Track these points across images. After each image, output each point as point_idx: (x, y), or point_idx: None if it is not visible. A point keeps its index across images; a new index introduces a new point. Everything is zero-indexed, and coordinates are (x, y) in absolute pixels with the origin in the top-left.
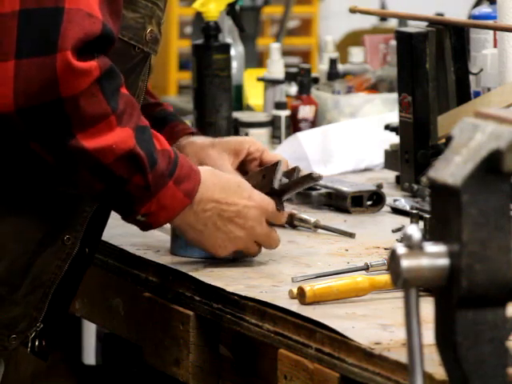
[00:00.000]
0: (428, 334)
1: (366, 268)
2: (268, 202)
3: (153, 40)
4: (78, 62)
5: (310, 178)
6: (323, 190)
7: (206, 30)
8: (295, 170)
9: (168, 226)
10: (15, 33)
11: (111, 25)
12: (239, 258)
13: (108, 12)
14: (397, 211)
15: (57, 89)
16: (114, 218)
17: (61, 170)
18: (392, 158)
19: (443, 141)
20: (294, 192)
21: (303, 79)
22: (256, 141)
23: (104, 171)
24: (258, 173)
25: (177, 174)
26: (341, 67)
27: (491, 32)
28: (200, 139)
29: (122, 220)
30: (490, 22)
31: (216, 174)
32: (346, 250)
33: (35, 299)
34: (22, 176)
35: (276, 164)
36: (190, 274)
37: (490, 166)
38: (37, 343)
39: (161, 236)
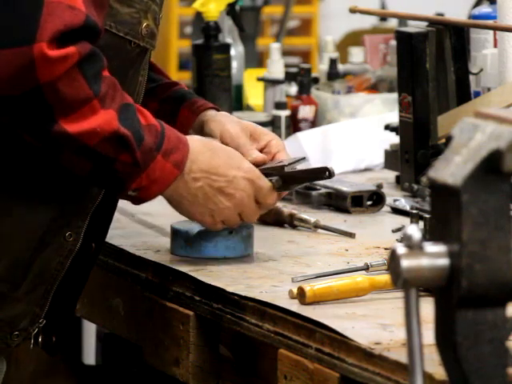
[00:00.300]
0: (428, 334)
1: (366, 268)
2: (258, 175)
3: (149, 35)
4: (54, 50)
5: (325, 171)
6: (323, 190)
7: (206, 30)
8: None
9: (168, 227)
10: None
11: (95, 17)
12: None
13: (92, 4)
14: (397, 211)
15: (35, 76)
16: (114, 219)
17: (47, 154)
18: (392, 158)
19: (443, 141)
20: (304, 182)
21: (303, 79)
22: (279, 139)
23: (90, 152)
24: (278, 162)
25: (164, 147)
26: (341, 67)
27: (491, 32)
28: (224, 115)
29: (116, 196)
30: (490, 22)
31: (206, 144)
32: (346, 250)
33: (37, 296)
34: (21, 172)
35: (300, 159)
36: (190, 274)
37: (490, 165)
38: (40, 339)
39: (161, 236)
